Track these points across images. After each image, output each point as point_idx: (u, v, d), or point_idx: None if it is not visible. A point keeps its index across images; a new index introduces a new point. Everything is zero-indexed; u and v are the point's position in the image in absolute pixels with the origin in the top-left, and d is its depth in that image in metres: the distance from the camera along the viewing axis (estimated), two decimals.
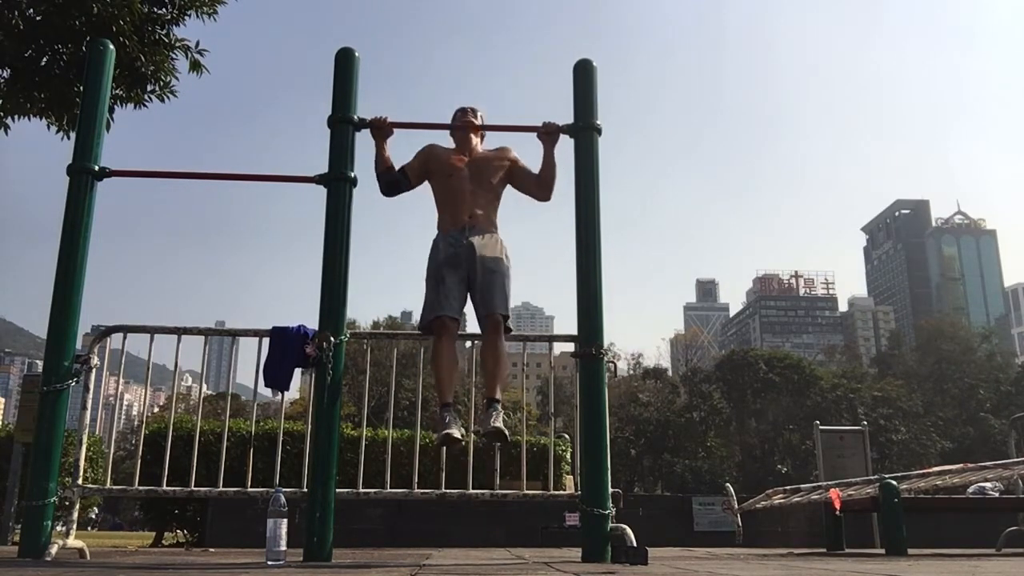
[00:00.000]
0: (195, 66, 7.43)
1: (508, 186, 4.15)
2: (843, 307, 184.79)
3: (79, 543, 4.08)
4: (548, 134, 4.12)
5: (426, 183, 4.12)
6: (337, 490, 3.86)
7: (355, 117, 4.14)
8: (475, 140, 4.15)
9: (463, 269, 3.87)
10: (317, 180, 4.08)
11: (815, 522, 8.35)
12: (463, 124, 4.15)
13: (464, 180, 3.98)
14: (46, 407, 3.93)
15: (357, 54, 4.26)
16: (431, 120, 4.40)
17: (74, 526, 4.18)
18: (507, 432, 3.69)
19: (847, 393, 50.70)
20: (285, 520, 3.44)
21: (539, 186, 4.08)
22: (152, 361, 4.42)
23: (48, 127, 7.28)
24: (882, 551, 6.01)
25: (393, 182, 4.06)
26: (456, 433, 3.68)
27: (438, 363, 3.83)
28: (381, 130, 4.12)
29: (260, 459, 4.80)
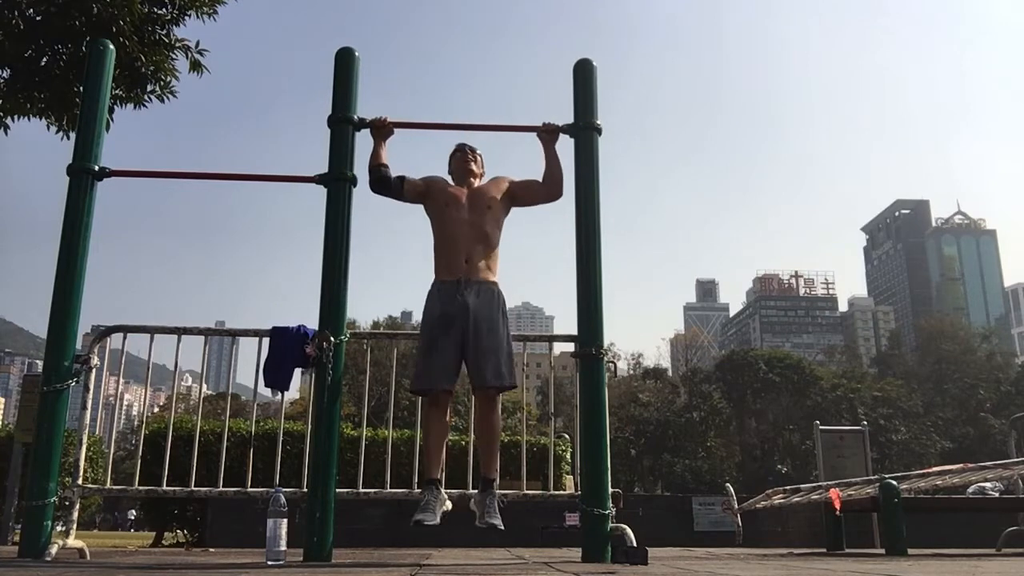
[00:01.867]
0: (195, 66, 7.43)
1: (514, 205, 4.05)
2: (843, 307, 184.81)
3: (79, 543, 4.08)
4: (548, 133, 4.09)
5: (422, 210, 4.02)
6: (337, 490, 3.86)
7: (355, 117, 4.14)
8: (474, 179, 4.05)
9: (457, 331, 3.69)
10: (317, 180, 4.08)
11: (815, 522, 8.35)
12: (462, 163, 4.05)
13: (462, 208, 3.85)
14: (46, 407, 3.93)
15: (357, 54, 4.26)
16: (431, 120, 4.40)
17: (74, 526, 4.18)
18: (502, 527, 3.56)
19: (847, 393, 50.72)
20: (285, 520, 3.44)
21: (546, 186, 4.01)
22: (152, 361, 4.42)
23: (48, 127, 7.28)
24: (882, 551, 6.01)
25: (384, 180, 3.94)
26: (431, 521, 3.52)
27: (427, 434, 3.76)
28: (382, 130, 4.07)
29: (260, 459, 4.80)
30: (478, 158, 4.11)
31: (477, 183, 4.02)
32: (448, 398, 3.72)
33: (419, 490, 3.82)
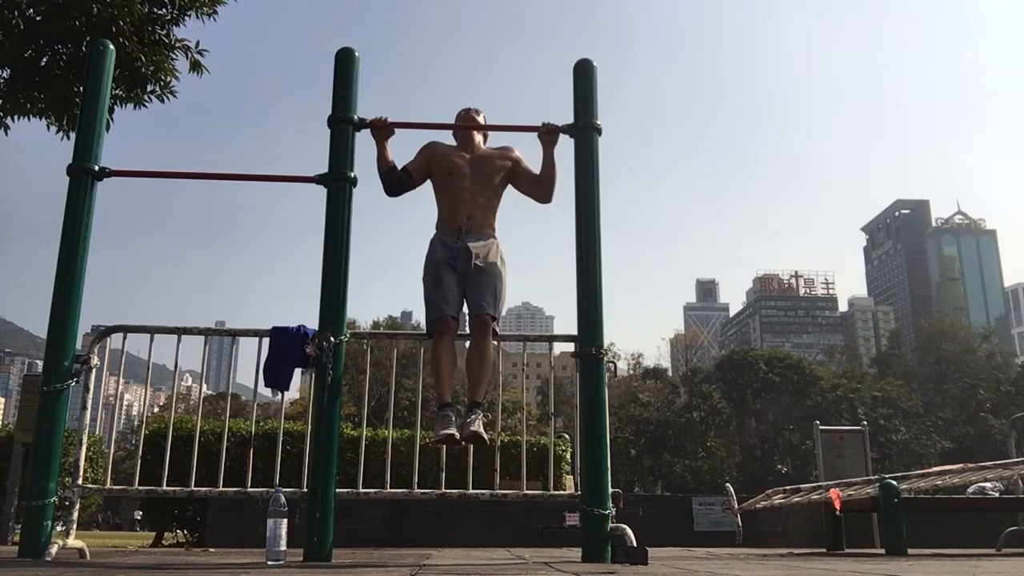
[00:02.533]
0: (195, 66, 7.43)
1: (510, 187, 4.14)
2: (843, 307, 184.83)
3: (79, 543, 4.08)
4: (548, 134, 4.11)
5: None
6: (337, 490, 3.86)
7: (355, 117, 4.13)
8: (478, 138, 4.16)
9: (458, 271, 3.89)
10: (317, 180, 4.07)
11: (815, 522, 8.35)
12: (466, 122, 4.16)
13: (464, 178, 3.99)
14: (46, 407, 3.93)
15: (357, 54, 4.26)
16: (431, 120, 4.40)
17: (74, 526, 4.17)
18: (486, 436, 3.74)
19: (847, 393, 50.72)
20: (285, 520, 3.44)
21: (539, 186, 4.08)
22: (152, 361, 4.41)
23: (48, 127, 7.28)
24: (882, 551, 6.01)
25: (396, 182, 4.05)
26: (457, 433, 3.70)
27: (437, 361, 3.85)
28: (382, 130, 4.09)
29: (260, 459, 4.79)
30: (481, 116, 4.23)
31: (482, 144, 4.16)
32: (456, 326, 3.89)
33: (421, 492, 3.91)
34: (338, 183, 4.04)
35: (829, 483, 6.61)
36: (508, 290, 4.02)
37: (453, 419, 3.76)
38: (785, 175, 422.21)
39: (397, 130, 4.18)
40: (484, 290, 3.87)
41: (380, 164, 4.07)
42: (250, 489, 4.43)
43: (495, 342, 4.08)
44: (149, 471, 6.46)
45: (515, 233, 3.87)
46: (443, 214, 4.04)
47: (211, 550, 6.76)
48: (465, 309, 3.97)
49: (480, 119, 4.22)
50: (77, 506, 4.28)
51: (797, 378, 51.76)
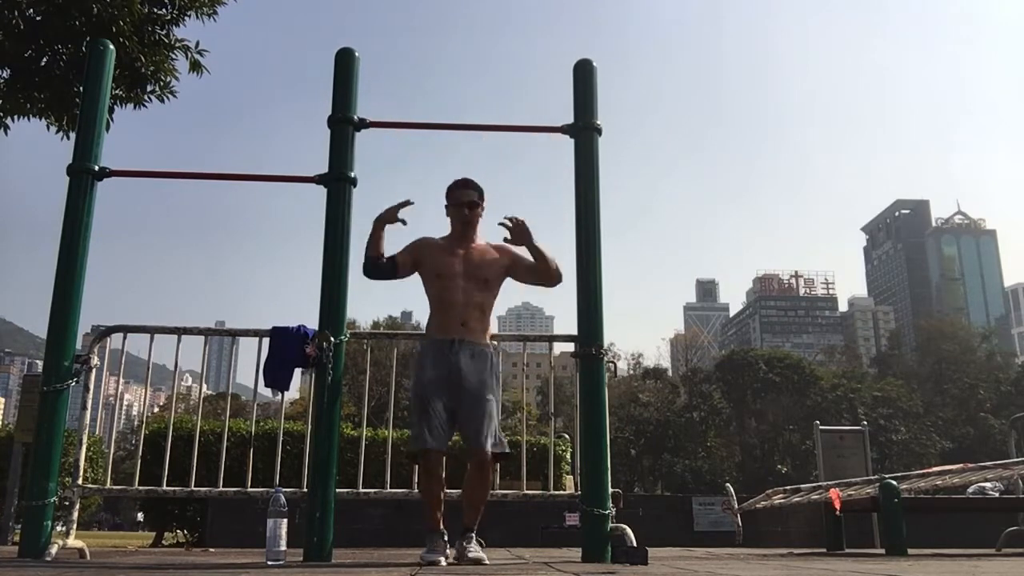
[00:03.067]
0: (195, 66, 7.43)
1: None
2: (843, 307, 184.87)
3: (79, 543, 4.08)
4: (515, 235, 3.79)
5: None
6: (337, 490, 3.86)
7: (355, 117, 4.14)
8: (476, 232, 3.86)
9: (447, 395, 3.64)
10: (317, 180, 4.08)
11: (815, 522, 8.34)
12: (469, 216, 3.81)
13: (457, 278, 3.72)
14: (46, 407, 3.93)
15: (357, 54, 4.26)
16: (431, 120, 4.40)
17: (74, 526, 4.18)
18: (487, 560, 3.53)
19: (847, 393, 50.72)
20: (285, 520, 3.44)
21: (539, 276, 3.83)
22: (152, 361, 4.42)
23: (48, 127, 7.28)
24: (882, 551, 6.01)
25: (378, 268, 3.78)
26: (442, 561, 3.46)
27: (424, 491, 3.72)
28: (389, 222, 3.83)
29: (260, 459, 4.80)
30: (480, 210, 3.87)
31: (476, 241, 3.84)
32: (441, 458, 3.68)
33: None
34: (338, 183, 4.04)
35: (829, 483, 6.60)
36: (499, 409, 3.78)
37: (443, 546, 3.57)
38: (785, 175, 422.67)
39: (397, 130, 4.20)
40: (479, 425, 3.61)
41: (370, 247, 3.78)
42: (250, 489, 4.44)
43: (494, 342, 3.88)
44: (149, 471, 6.46)
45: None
46: (435, 320, 3.78)
47: (211, 550, 6.76)
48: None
49: (482, 202, 3.86)
50: (77, 506, 4.28)
51: (797, 378, 51.76)
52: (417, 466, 3.83)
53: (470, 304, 3.72)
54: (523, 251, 3.83)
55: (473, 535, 3.64)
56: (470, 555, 3.52)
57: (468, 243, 3.82)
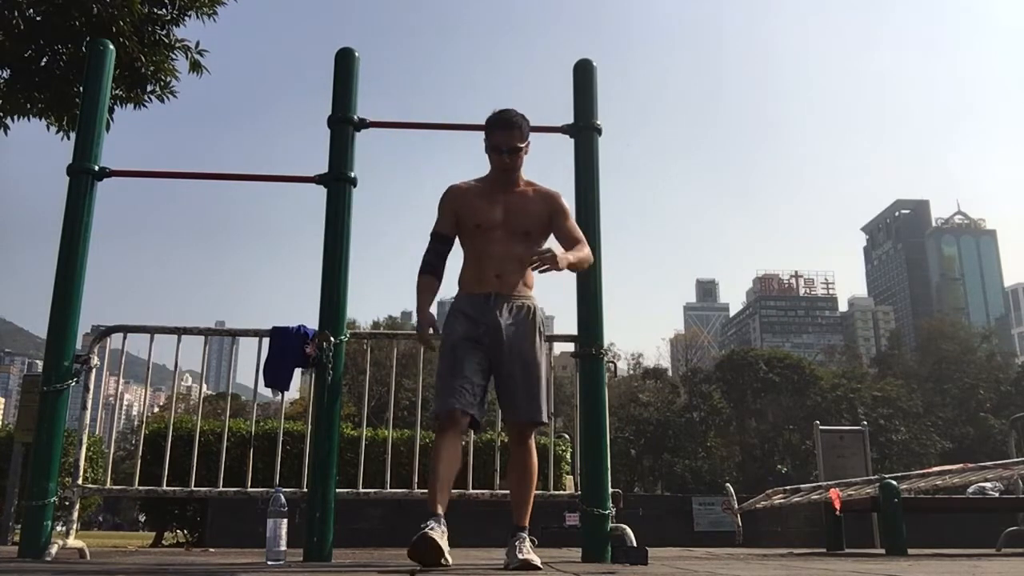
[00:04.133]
0: (195, 66, 7.43)
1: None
2: (843, 307, 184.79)
3: (79, 543, 4.08)
4: (548, 268, 3.13)
5: None
6: (337, 490, 3.86)
7: (355, 117, 4.14)
8: (519, 175, 3.40)
9: (483, 353, 3.21)
10: (317, 180, 4.08)
11: (815, 522, 8.36)
12: (510, 163, 3.33)
13: (496, 228, 3.30)
14: (46, 407, 3.93)
15: (357, 54, 4.26)
16: (432, 120, 4.39)
17: (74, 526, 4.18)
18: (538, 563, 3.04)
19: (847, 393, 50.68)
20: (285, 520, 3.44)
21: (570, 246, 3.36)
22: (152, 361, 4.41)
23: (48, 127, 7.28)
24: (882, 551, 6.01)
25: (442, 258, 3.40)
26: (439, 539, 2.86)
27: (435, 460, 3.11)
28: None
29: (260, 459, 4.80)
30: (525, 153, 3.37)
31: (519, 183, 3.40)
32: (467, 422, 3.18)
33: (421, 492, 3.32)
34: (338, 183, 4.04)
35: (829, 483, 6.60)
36: (550, 368, 3.34)
37: (441, 528, 2.94)
38: (785, 175, 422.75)
39: (396, 130, 4.19)
40: (521, 387, 3.18)
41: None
42: (250, 489, 4.43)
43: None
44: (149, 471, 6.46)
45: None
46: (468, 272, 3.36)
47: (211, 550, 6.76)
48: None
49: (521, 146, 3.34)
50: (77, 506, 4.28)
51: (797, 378, 51.71)
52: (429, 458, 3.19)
53: (509, 257, 3.28)
54: (564, 212, 3.41)
55: (525, 535, 3.18)
56: (521, 556, 3.05)
57: (510, 187, 3.37)
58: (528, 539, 3.18)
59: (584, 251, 3.34)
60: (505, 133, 3.32)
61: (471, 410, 3.16)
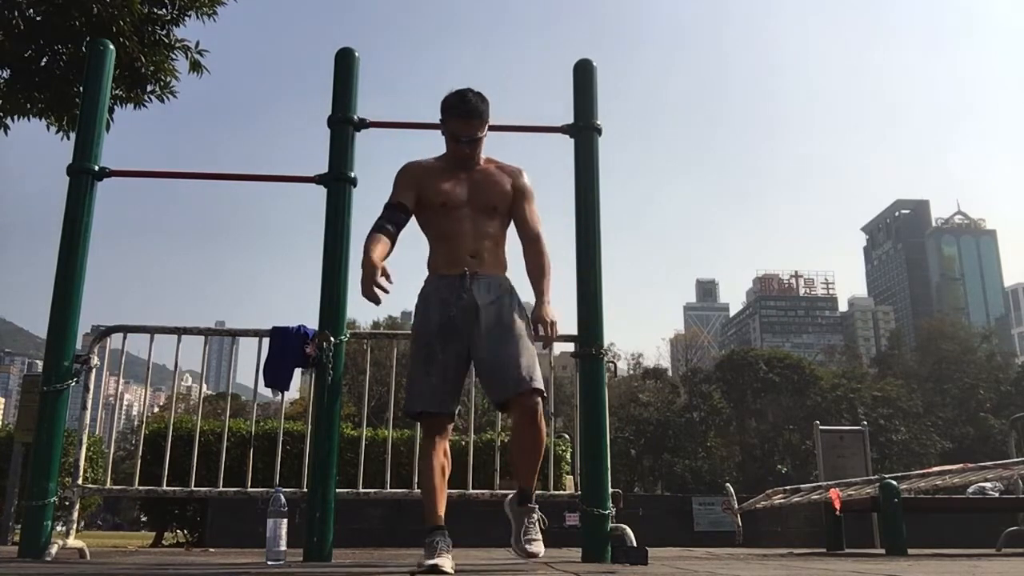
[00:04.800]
0: (195, 66, 7.44)
1: None
2: (843, 307, 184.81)
3: (79, 543, 4.08)
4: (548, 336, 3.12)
5: None
6: (337, 490, 3.86)
7: (355, 117, 4.13)
8: (477, 163, 3.26)
9: (462, 342, 3.03)
10: (317, 180, 4.07)
11: (815, 522, 8.35)
12: (469, 153, 3.19)
13: (463, 207, 3.14)
14: (46, 407, 3.92)
15: (357, 54, 4.26)
16: (431, 120, 4.38)
17: (74, 526, 4.18)
18: (542, 552, 3.01)
19: (847, 393, 50.68)
20: (285, 520, 3.44)
21: (526, 242, 3.27)
22: (152, 361, 4.41)
23: (48, 127, 7.29)
24: (882, 551, 6.01)
25: (396, 224, 3.17)
26: (447, 566, 2.72)
27: (427, 471, 2.98)
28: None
29: (260, 459, 4.80)
30: (482, 140, 3.20)
31: (480, 160, 3.26)
32: (449, 424, 3.08)
33: (421, 492, 3.12)
34: (338, 183, 4.04)
35: (829, 483, 6.60)
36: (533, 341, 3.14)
37: (446, 546, 2.82)
38: (785, 175, 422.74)
39: (395, 130, 4.18)
40: (510, 360, 2.96)
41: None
42: (250, 489, 4.43)
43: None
44: (149, 471, 6.46)
45: (514, 231, 3.73)
46: (438, 255, 3.18)
47: (211, 550, 6.76)
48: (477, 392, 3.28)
49: (480, 136, 3.18)
50: (77, 506, 4.28)
51: (797, 378, 51.71)
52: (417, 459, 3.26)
53: (480, 235, 3.13)
54: (526, 191, 3.28)
55: (535, 507, 3.12)
56: (529, 548, 2.99)
57: (470, 166, 3.22)
58: (537, 516, 3.11)
59: (546, 261, 3.20)
60: (464, 122, 3.14)
61: (446, 408, 3.05)
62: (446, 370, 3.03)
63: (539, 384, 2.98)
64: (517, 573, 2.99)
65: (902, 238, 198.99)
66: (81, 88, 5.04)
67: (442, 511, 2.96)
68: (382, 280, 2.92)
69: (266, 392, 4.39)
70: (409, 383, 3.09)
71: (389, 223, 3.12)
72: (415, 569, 2.91)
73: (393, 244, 3.12)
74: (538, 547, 3.05)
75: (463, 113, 3.14)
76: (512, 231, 3.32)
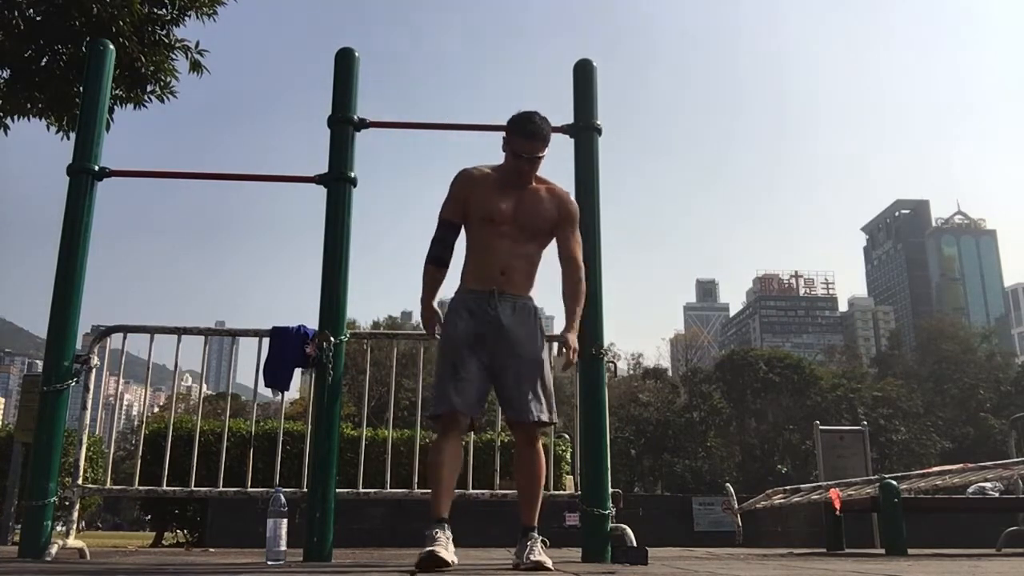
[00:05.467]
0: (195, 66, 7.43)
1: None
2: (843, 307, 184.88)
3: (79, 543, 4.08)
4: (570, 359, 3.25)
5: None
6: (337, 490, 3.86)
7: (355, 117, 4.14)
8: (535, 171, 3.33)
9: (486, 353, 3.15)
10: (317, 180, 4.08)
11: (815, 522, 8.35)
12: (528, 171, 3.26)
13: (506, 224, 3.21)
14: (46, 407, 3.93)
15: (357, 54, 4.26)
16: (432, 120, 4.39)
17: (74, 526, 4.18)
18: (550, 564, 3.01)
19: (847, 393, 50.67)
20: (285, 520, 3.44)
21: (565, 265, 3.35)
22: (152, 361, 4.42)
23: (48, 127, 7.28)
24: (882, 551, 6.01)
25: (449, 247, 3.32)
26: (445, 555, 2.86)
27: (437, 464, 3.10)
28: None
29: (260, 459, 4.80)
30: (544, 151, 3.28)
31: (534, 182, 3.33)
32: (467, 423, 3.17)
33: (421, 492, 3.33)
34: (338, 183, 4.04)
35: (829, 483, 6.60)
36: (551, 375, 3.26)
37: (445, 539, 2.96)
38: (785, 175, 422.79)
39: (398, 131, 4.19)
40: (527, 386, 3.11)
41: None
42: (250, 489, 4.43)
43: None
44: (149, 471, 6.46)
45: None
46: (472, 267, 3.28)
47: (211, 550, 6.76)
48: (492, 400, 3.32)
49: (546, 139, 3.27)
50: (77, 506, 4.28)
51: (797, 378, 51.71)
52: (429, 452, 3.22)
53: (516, 254, 3.22)
54: (572, 219, 3.37)
55: (536, 535, 3.13)
56: (533, 557, 3.02)
57: (525, 182, 3.29)
58: (539, 539, 3.13)
59: (581, 288, 3.31)
60: (529, 143, 3.23)
61: (471, 411, 3.12)
62: (469, 376, 3.12)
63: (546, 417, 3.12)
64: (517, 573, 2.99)
65: (902, 238, 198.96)
66: (81, 88, 5.03)
67: (447, 505, 3.07)
68: (437, 327, 3.28)
69: (266, 392, 4.39)
70: (437, 388, 3.18)
71: (443, 246, 3.29)
72: (414, 568, 2.92)
73: (447, 268, 3.32)
74: (542, 558, 3.03)
75: (529, 133, 3.23)
76: (551, 253, 3.36)
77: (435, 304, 3.34)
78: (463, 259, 3.33)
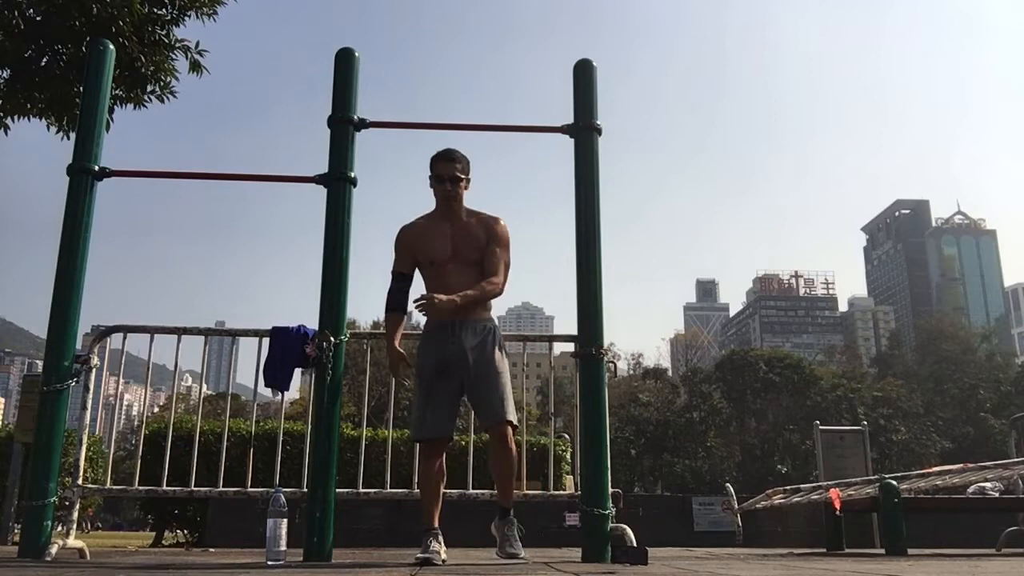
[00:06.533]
0: (195, 66, 7.44)
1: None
2: (843, 307, 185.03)
3: (79, 543, 4.09)
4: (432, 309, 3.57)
5: None
6: (337, 490, 3.86)
7: (355, 117, 4.14)
8: (461, 205, 3.76)
9: (455, 378, 3.63)
10: (317, 180, 4.08)
11: (815, 522, 8.35)
12: (451, 191, 3.69)
13: (448, 263, 3.68)
14: (46, 407, 3.93)
15: (357, 54, 4.26)
16: (431, 120, 4.39)
17: (74, 526, 4.18)
18: (525, 556, 3.57)
19: (847, 393, 50.71)
20: (285, 520, 3.44)
21: (483, 275, 3.70)
22: (152, 361, 4.42)
23: (48, 127, 7.29)
24: (882, 551, 6.01)
25: (404, 295, 3.79)
26: (436, 558, 3.42)
27: (424, 483, 3.69)
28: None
29: (260, 459, 4.80)
30: (465, 184, 3.75)
31: (463, 215, 3.74)
32: (445, 445, 3.68)
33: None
34: (338, 183, 4.04)
35: (829, 483, 6.61)
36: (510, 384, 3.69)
37: (437, 546, 3.50)
38: (785, 175, 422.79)
39: (398, 130, 4.20)
40: (491, 395, 3.57)
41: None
42: (250, 489, 4.44)
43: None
44: (149, 471, 6.46)
45: (515, 232, 3.81)
46: None
47: (211, 550, 6.76)
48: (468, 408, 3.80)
49: (462, 176, 3.72)
50: (77, 506, 4.28)
51: (797, 378, 51.75)
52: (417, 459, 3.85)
53: (463, 284, 3.62)
54: (497, 238, 3.70)
55: (512, 519, 3.64)
56: (508, 550, 3.54)
57: (454, 219, 3.72)
58: (516, 526, 3.62)
59: (485, 288, 3.63)
60: (447, 164, 3.70)
61: (446, 432, 3.64)
62: (442, 403, 3.63)
63: (510, 416, 3.60)
64: (517, 572, 2.99)
65: (902, 238, 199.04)
66: (81, 88, 5.04)
67: (436, 515, 3.60)
68: (404, 370, 3.85)
69: (266, 392, 4.40)
70: (414, 414, 3.70)
71: (400, 294, 3.78)
72: (415, 564, 2.94)
73: (405, 312, 3.84)
74: (517, 549, 3.57)
75: (443, 156, 3.74)
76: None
77: (397, 346, 3.76)
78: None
